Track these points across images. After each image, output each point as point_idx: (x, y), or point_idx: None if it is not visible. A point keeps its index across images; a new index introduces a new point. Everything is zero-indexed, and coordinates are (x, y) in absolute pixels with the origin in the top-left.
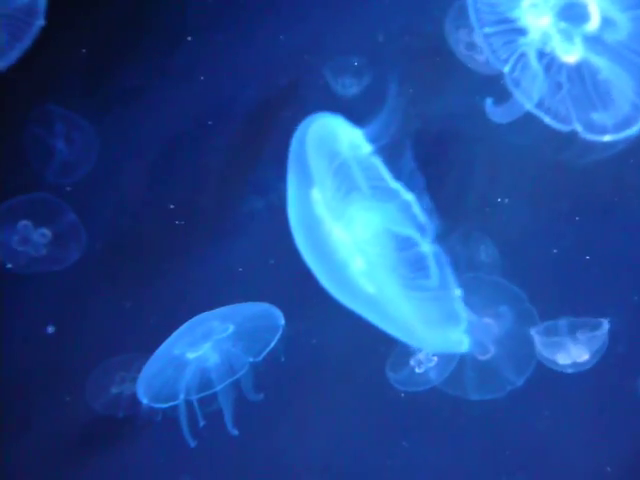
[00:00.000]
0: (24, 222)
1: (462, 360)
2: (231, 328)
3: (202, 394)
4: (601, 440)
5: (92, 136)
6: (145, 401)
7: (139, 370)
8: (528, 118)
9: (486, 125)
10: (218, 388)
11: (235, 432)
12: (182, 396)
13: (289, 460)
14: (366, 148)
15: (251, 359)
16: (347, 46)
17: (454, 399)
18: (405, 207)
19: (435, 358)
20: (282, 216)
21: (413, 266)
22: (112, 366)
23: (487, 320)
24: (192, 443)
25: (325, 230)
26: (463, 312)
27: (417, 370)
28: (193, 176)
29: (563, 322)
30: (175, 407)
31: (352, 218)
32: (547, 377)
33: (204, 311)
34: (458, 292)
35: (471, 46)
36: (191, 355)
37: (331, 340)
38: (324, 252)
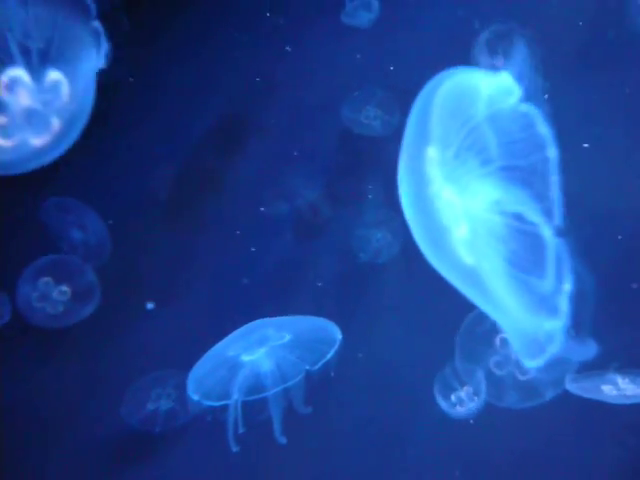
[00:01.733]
0: (45, 279)
1: (503, 379)
2: (287, 337)
3: (253, 397)
4: None
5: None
6: (196, 398)
7: (175, 386)
8: None
9: None
10: (269, 394)
11: (283, 440)
12: (234, 397)
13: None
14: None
15: (307, 367)
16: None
17: (505, 428)
18: (541, 186)
19: (476, 398)
20: (325, 231)
21: (528, 249)
22: (148, 383)
23: None
24: (235, 448)
25: (433, 191)
26: (565, 308)
27: (459, 408)
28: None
29: (610, 375)
30: (223, 408)
31: (470, 183)
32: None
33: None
34: (568, 287)
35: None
36: (246, 358)
37: (378, 354)
38: (428, 213)
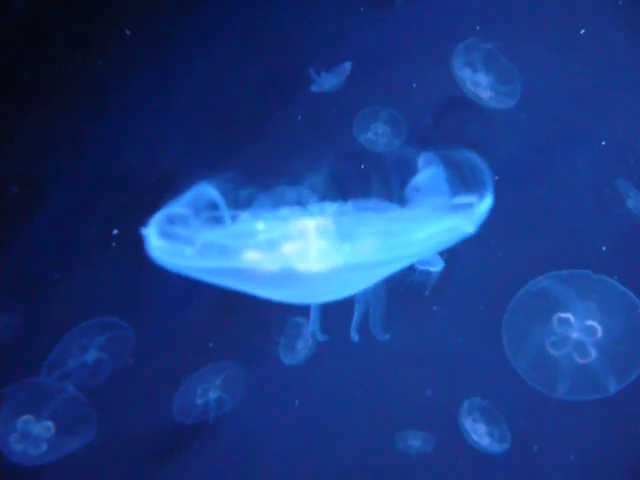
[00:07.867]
0: (25, 417)
1: (558, 360)
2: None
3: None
4: None
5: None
6: None
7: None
8: None
9: None
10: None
11: (356, 338)
12: None
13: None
14: None
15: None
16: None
17: None
18: None
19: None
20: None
21: None
22: (192, 382)
23: (591, 323)
24: (322, 337)
25: None
26: None
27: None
28: None
29: None
30: None
31: None
32: None
33: None
34: None
35: (476, 84)
36: None
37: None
38: None
